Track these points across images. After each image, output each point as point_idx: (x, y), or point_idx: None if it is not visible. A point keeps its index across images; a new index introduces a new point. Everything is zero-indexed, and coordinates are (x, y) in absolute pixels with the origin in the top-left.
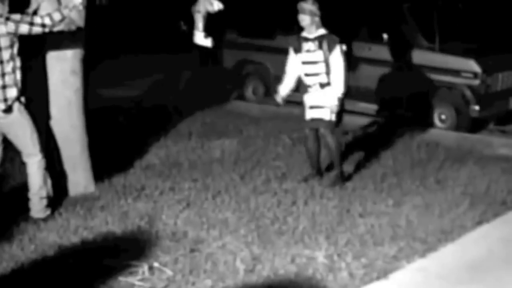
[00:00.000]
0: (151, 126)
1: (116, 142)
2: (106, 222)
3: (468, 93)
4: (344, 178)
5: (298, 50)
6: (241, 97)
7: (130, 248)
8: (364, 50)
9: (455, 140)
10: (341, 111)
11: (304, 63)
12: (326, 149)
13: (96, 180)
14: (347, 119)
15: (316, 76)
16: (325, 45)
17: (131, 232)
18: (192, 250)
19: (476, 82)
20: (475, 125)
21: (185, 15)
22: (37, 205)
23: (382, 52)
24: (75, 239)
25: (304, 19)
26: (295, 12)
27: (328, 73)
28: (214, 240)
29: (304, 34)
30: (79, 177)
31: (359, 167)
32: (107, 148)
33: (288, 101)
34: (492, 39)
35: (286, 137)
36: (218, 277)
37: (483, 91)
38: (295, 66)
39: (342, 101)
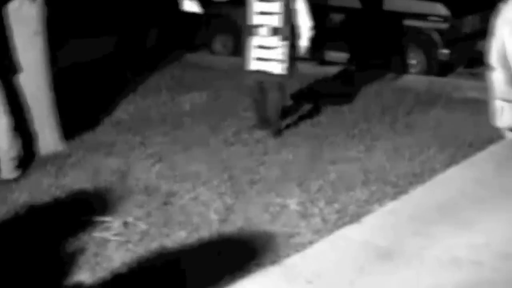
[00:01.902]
0: (118, 82)
1: (84, 99)
2: (78, 180)
3: (436, 37)
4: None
5: None
6: (211, 51)
7: (103, 204)
8: None
9: (425, 84)
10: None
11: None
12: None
13: (66, 138)
14: (318, 69)
15: (270, 16)
16: None
17: (103, 189)
18: (165, 203)
19: (445, 25)
20: (444, 69)
21: None
22: (7, 166)
23: (350, 0)
24: (47, 198)
25: None
26: None
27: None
28: (186, 192)
29: None
30: (49, 136)
31: (329, 115)
32: (75, 105)
33: None
34: None
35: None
36: (192, 229)
37: (452, 35)
38: None
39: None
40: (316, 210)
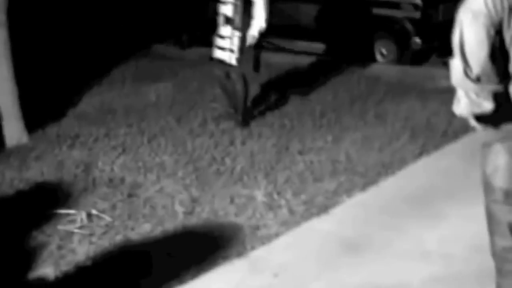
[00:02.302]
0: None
1: (48, 91)
2: (41, 173)
3: (409, 25)
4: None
5: None
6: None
7: (67, 197)
8: None
9: (396, 74)
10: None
11: None
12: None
13: (29, 131)
14: (288, 58)
15: (224, 5)
16: None
17: (67, 181)
18: (129, 195)
19: (417, 14)
20: (417, 58)
21: None
22: None
23: None
24: (10, 191)
25: None
26: None
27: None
28: (151, 184)
29: None
30: (12, 128)
31: (297, 105)
32: (39, 97)
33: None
34: None
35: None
36: (157, 221)
37: (424, 23)
38: None
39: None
40: (283, 202)
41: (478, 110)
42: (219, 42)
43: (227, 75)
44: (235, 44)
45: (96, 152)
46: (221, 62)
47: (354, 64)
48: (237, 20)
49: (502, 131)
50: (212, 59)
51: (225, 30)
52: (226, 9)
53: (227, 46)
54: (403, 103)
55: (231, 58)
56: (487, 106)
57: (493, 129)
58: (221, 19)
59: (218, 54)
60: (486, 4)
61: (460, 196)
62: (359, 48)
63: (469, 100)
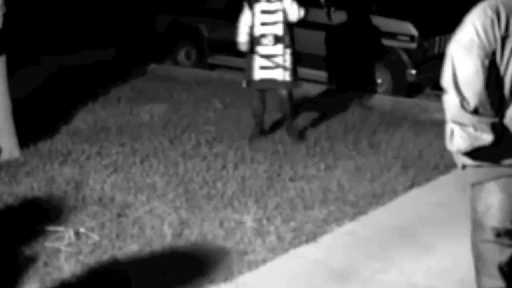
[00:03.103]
0: (79, 90)
1: (43, 107)
2: (31, 188)
3: (404, 56)
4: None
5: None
6: (174, 62)
7: (56, 214)
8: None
9: (391, 104)
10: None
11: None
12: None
13: (21, 146)
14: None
15: (272, 25)
16: None
17: (57, 198)
18: (119, 215)
19: (413, 45)
20: (411, 89)
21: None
22: None
23: (319, 16)
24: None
25: None
26: None
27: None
28: (141, 204)
29: None
30: (4, 142)
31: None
32: (33, 113)
33: (220, 65)
34: (430, 2)
35: (218, 101)
36: (145, 242)
37: (420, 55)
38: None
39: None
40: (272, 228)
41: (477, 143)
42: (263, 62)
43: (263, 95)
44: (288, 60)
45: (88, 170)
46: (264, 81)
47: (348, 93)
48: (287, 38)
49: (495, 169)
50: (252, 79)
51: (275, 49)
52: (276, 29)
53: (280, 63)
54: (396, 133)
55: (285, 76)
56: (487, 138)
57: (486, 166)
58: (269, 39)
59: (262, 74)
60: (478, 35)
61: (449, 230)
62: (355, 76)
63: (466, 134)
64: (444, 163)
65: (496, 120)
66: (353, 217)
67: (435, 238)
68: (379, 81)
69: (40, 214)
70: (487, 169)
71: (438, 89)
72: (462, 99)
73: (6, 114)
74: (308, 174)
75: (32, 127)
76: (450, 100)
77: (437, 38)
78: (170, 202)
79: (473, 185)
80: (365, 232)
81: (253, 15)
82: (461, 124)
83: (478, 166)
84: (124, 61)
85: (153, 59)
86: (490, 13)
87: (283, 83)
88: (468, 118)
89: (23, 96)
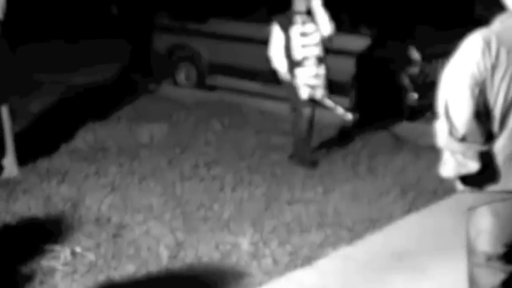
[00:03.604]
0: (79, 110)
1: (43, 125)
2: (29, 206)
3: (406, 80)
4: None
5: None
6: (174, 83)
7: (53, 233)
8: None
9: (390, 128)
10: None
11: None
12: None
13: (20, 164)
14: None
15: (313, 47)
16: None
17: (54, 217)
18: (115, 235)
19: (415, 69)
20: (412, 114)
21: None
22: None
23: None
24: None
25: None
26: None
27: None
28: (138, 225)
29: (296, 9)
30: (4, 161)
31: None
32: (33, 131)
33: (219, 87)
34: (431, 27)
35: (217, 123)
36: (141, 263)
37: (421, 79)
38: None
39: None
40: (267, 251)
41: (464, 171)
42: (310, 81)
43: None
44: (324, 80)
45: (85, 190)
46: (311, 101)
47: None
48: (326, 58)
49: (488, 194)
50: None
51: (317, 69)
52: (317, 50)
53: (320, 84)
54: (395, 158)
55: (323, 96)
56: (473, 166)
57: (479, 191)
58: (311, 61)
59: (311, 93)
60: (469, 64)
61: (445, 255)
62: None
63: (455, 161)
64: (442, 188)
65: (484, 148)
66: (349, 242)
67: (431, 263)
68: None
69: (37, 233)
70: (481, 194)
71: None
72: (451, 127)
73: (7, 132)
74: (305, 198)
75: (31, 146)
76: (440, 127)
77: (439, 63)
78: (167, 223)
79: (468, 209)
80: (361, 257)
81: (288, 38)
82: (451, 151)
83: (473, 191)
84: (125, 81)
85: (153, 79)
86: (481, 43)
87: (324, 103)
88: (456, 146)
89: (23, 114)
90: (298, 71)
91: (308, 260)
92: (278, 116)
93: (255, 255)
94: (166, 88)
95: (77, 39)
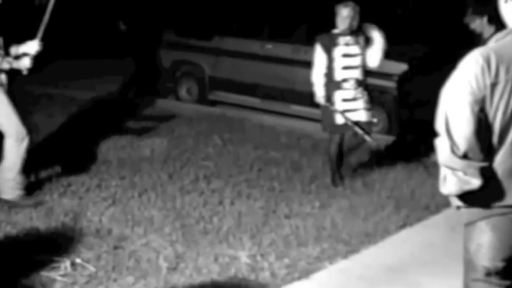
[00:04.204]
0: (83, 123)
1: (46, 138)
2: (30, 218)
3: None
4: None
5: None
6: (176, 97)
7: (54, 244)
8: (300, 53)
9: (385, 144)
10: None
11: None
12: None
13: None
14: (283, 121)
15: (353, 69)
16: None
17: (55, 228)
18: (115, 247)
19: (408, 85)
20: (405, 129)
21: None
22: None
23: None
24: None
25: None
26: (233, 14)
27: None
28: (138, 237)
29: (339, 29)
30: None
31: (287, 169)
32: (36, 144)
33: (221, 102)
34: (426, 43)
35: (217, 137)
36: (141, 275)
37: (415, 95)
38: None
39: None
40: (266, 264)
41: (466, 187)
42: (345, 105)
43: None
44: (367, 102)
45: (86, 202)
46: (345, 125)
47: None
48: (366, 81)
49: (488, 208)
50: (335, 124)
51: (356, 92)
52: (357, 73)
53: (360, 107)
54: (390, 173)
55: (366, 116)
56: (475, 182)
57: (478, 207)
58: (351, 83)
59: (346, 117)
60: (469, 83)
61: (439, 269)
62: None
63: (456, 178)
64: (435, 204)
65: (485, 164)
66: (345, 255)
67: (425, 277)
68: (374, 120)
69: (38, 244)
70: (479, 209)
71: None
72: (453, 144)
73: None
74: (303, 212)
75: (33, 158)
76: (441, 144)
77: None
78: (167, 236)
79: (466, 225)
80: (357, 270)
81: (330, 59)
82: (452, 168)
83: (471, 207)
84: (127, 95)
85: (155, 93)
86: (481, 61)
87: (365, 124)
88: (458, 163)
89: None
90: (336, 93)
91: (305, 273)
92: (277, 130)
93: (253, 267)
94: (168, 102)
95: (82, 54)
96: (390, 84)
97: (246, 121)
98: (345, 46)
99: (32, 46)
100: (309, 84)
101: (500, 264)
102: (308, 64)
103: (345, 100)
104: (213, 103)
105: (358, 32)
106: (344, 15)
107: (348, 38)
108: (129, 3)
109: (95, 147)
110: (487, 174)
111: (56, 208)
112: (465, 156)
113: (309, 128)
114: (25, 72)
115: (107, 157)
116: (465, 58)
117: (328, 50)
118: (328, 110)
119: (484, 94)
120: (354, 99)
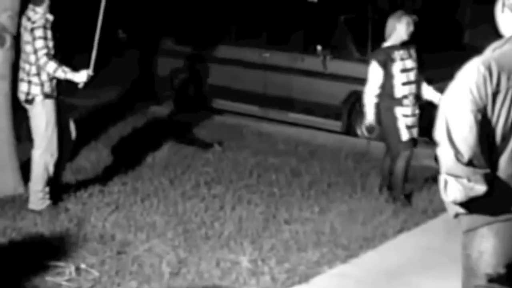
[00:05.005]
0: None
1: None
2: (34, 223)
3: None
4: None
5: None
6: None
7: (58, 249)
8: (297, 61)
9: (383, 150)
10: None
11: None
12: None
13: (26, 182)
14: (283, 129)
15: (412, 85)
16: (413, 53)
17: (59, 234)
18: (119, 253)
19: None
20: None
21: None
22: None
23: (315, 63)
24: (3, 240)
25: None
26: (231, 22)
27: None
28: (141, 243)
29: (391, 42)
30: (8, 178)
31: (287, 174)
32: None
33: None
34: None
35: (217, 144)
36: (144, 279)
37: None
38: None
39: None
40: (266, 269)
41: (472, 194)
42: (406, 121)
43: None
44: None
45: (90, 208)
46: (410, 141)
47: (341, 138)
48: (420, 97)
49: (490, 215)
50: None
51: (414, 108)
52: (415, 88)
53: (416, 123)
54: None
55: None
56: (481, 188)
57: (480, 213)
58: (410, 99)
59: (409, 134)
60: (471, 91)
61: (437, 273)
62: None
63: (461, 185)
64: (432, 208)
65: (489, 171)
66: (344, 260)
67: (424, 280)
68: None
69: (42, 249)
70: (481, 215)
71: (427, 137)
72: (457, 152)
73: (10, 150)
74: (302, 217)
75: None
76: (444, 153)
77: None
78: (169, 241)
79: (466, 231)
80: (356, 274)
81: (389, 76)
82: (456, 176)
83: (473, 213)
84: (127, 102)
85: (154, 101)
86: (482, 69)
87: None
88: (462, 170)
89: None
90: (397, 110)
91: (305, 278)
92: (275, 137)
93: (254, 272)
94: (167, 109)
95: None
96: None
97: (244, 128)
98: (401, 61)
99: (82, 76)
100: (306, 92)
101: (502, 271)
102: (305, 72)
103: (405, 116)
104: (212, 110)
105: (409, 45)
106: (400, 27)
107: (402, 52)
108: (128, 11)
109: (97, 153)
110: (492, 180)
111: (60, 213)
112: (469, 163)
113: (306, 135)
114: (80, 86)
115: (109, 163)
116: (464, 67)
117: (385, 66)
118: (391, 128)
119: (486, 103)
120: (413, 115)
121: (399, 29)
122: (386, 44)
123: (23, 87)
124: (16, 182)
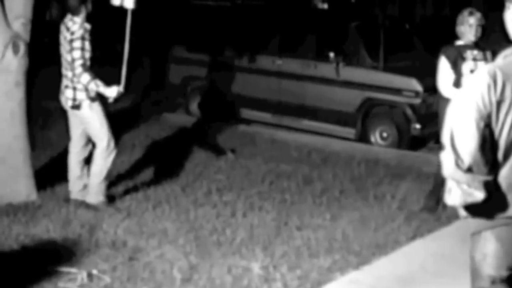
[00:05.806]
0: None
1: (60, 152)
2: (47, 230)
3: (409, 111)
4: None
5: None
6: (187, 112)
7: (70, 256)
8: (310, 68)
9: (395, 157)
10: None
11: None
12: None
13: (39, 189)
14: (294, 136)
15: None
16: (489, 56)
17: (71, 240)
18: (130, 259)
19: (418, 100)
20: (415, 143)
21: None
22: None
23: (328, 70)
24: (16, 246)
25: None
26: (242, 30)
27: None
28: (152, 249)
29: (465, 41)
30: (22, 185)
31: (299, 181)
32: (51, 157)
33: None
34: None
35: (230, 152)
36: (155, 286)
37: (424, 110)
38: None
39: None
40: (278, 275)
41: (470, 200)
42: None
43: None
44: None
45: (102, 214)
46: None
47: (354, 145)
48: None
49: (492, 219)
50: None
51: None
52: None
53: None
54: (400, 185)
55: None
56: (479, 195)
57: (483, 217)
58: None
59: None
60: (475, 99)
61: (449, 280)
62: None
63: (461, 190)
64: (446, 215)
65: (489, 178)
66: (356, 266)
67: (434, 286)
68: (384, 134)
69: (55, 255)
70: (484, 219)
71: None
72: (457, 158)
73: (25, 157)
74: (314, 224)
75: (49, 171)
76: (446, 158)
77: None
78: (181, 248)
79: (472, 234)
80: (368, 281)
81: (457, 75)
82: (457, 181)
83: (476, 217)
84: (140, 110)
85: (167, 108)
86: (487, 78)
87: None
88: (462, 176)
89: (42, 141)
90: None
91: (317, 284)
92: (288, 145)
93: (266, 279)
94: (179, 117)
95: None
96: (400, 99)
97: (257, 135)
98: (473, 61)
99: (113, 92)
100: (319, 99)
101: (505, 273)
102: (318, 80)
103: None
104: (225, 118)
105: (484, 46)
106: (471, 23)
107: (476, 53)
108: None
109: None
110: (491, 187)
111: (73, 220)
112: (469, 170)
113: (318, 142)
114: (110, 101)
115: (120, 170)
116: (473, 75)
117: (454, 63)
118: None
119: (490, 111)
120: None
121: (464, 28)
122: (459, 42)
123: (68, 93)
124: (30, 189)
